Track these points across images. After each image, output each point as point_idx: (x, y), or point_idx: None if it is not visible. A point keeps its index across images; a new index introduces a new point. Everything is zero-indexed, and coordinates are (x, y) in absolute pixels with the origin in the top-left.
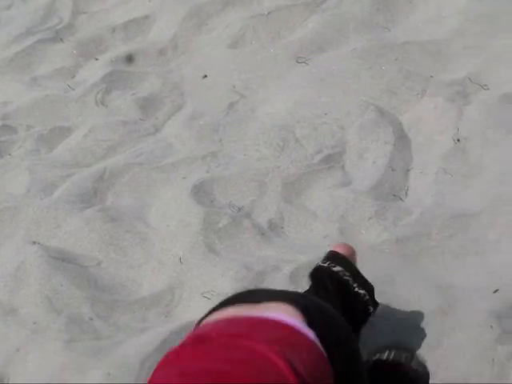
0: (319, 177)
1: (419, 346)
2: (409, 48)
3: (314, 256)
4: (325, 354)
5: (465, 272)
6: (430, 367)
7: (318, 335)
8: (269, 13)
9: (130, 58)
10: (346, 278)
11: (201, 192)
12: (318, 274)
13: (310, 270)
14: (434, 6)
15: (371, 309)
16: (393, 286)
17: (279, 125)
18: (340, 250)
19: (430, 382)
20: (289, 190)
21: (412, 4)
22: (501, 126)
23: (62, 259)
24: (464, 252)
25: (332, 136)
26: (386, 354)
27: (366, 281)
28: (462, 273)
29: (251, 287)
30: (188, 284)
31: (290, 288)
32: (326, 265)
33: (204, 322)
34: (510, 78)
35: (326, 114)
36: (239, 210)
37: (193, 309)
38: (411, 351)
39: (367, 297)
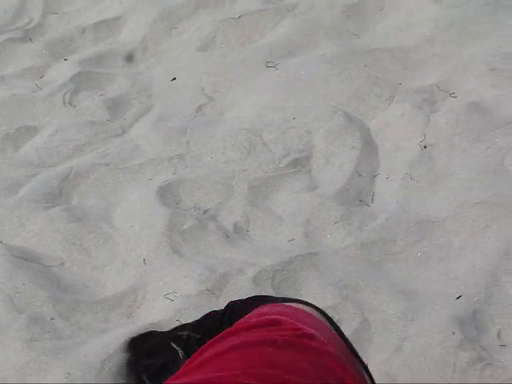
0: (286, 180)
1: (381, 349)
2: (378, 55)
3: (278, 260)
4: None
5: (428, 278)
6: (392, 371)
7: None
8: (239, 17)
9: (129, 58)
10: None
11: (167, 194)
12: None
13: (272, 274)
14: (404, 13)
15: None
16: (356, 291)
17: (247, 128)
18: None
19: None
20: (255, 193)
21: (382, 11)
22: (467, 133)
23: (24, 258)
24: (428, 258)
25: (299, 140)
26: None
27: None
28: (426, 279)
29: (214, 290)
30: (151, 285)
31: (253, 291)
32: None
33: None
34: (477, 86)
35: (294, 118)
36: (205, 212)
37: (155, 310)
38: None
39: None
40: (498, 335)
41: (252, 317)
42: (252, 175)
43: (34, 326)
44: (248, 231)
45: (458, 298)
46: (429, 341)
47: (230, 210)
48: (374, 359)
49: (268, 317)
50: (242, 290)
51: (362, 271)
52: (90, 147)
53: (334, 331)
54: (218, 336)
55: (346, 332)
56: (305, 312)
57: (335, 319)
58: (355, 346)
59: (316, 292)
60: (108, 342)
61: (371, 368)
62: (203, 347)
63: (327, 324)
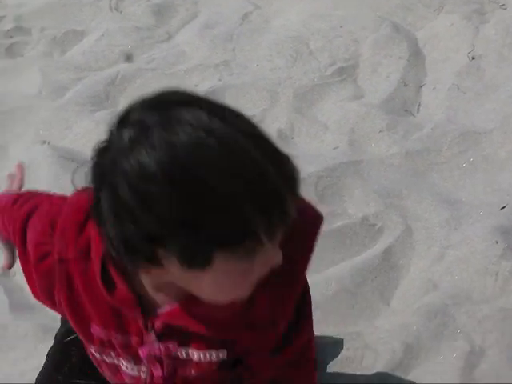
0: (331, 89)
1: (424, 257)
2: None
3: (322, 167)
4: None
5: (473, 188)
6: (435, 278)
7: None
8: None
9: (128, 58)
10: None
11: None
12: None
13: (316, 180)
14: None
15: None
16: (400, 198)
17: (293, 36)
18: None
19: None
20: (300, 100)
21: None
22: None
23: (71, 159)
24: (473, 169)
25: (346, 49)
26: None
27: None
28: (470, 189)
29: None
30: None
31: None
32: None
33: None
34: None
35: (340, 27)
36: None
37: None
38: None
39: None
40: None
41: None
42: (297, 83)
43: None
44: (293, 138)
45: (503, 208)
46: (471, 249)
47: (275, 117)
48: (416, 266)
49: None
50: None
51: (406, 180)
52: (136, 52)
53: None
54: None
55: (389, 239)
56: None
57: (378, 226)
58: (398, 253)
59: (359, 199)
60: None
61: (414, 275)
62: None
63: None
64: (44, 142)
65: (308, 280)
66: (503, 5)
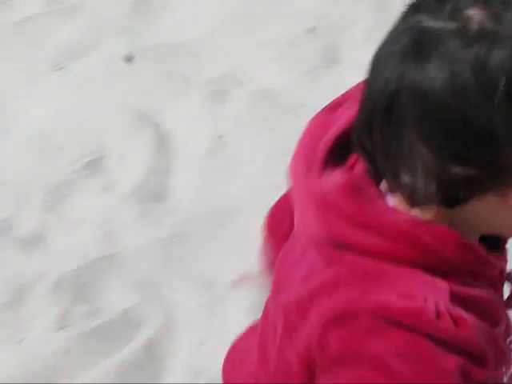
0: (81, 183)
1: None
2: (166, 49)
3: (80, 264)
4: None
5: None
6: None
7: None
8: (23, 21)
9: (129, 58)
10: None
11: None
12: None
13: (73, 279)
14: (189, 7)
15: None
16: (159, 287)
17: (38, 134)
18: None
19: None
20: (50, 198)
21: (166, 7)
22: (257, 121)
23: None
24: (229, 245)
25: (93, 141)
26: None
27: None
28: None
29: (12, 301)
30: None
31: (55, 297)
32: None
33: None
34: (264, 74)
35: (85, 120)
36: None
37: None
38: None
39: None
40: None
41: None
42: (46, 180)
43: None
44: (45, 239)
45: None
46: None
47: (25, 219)
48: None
49: None
50: (41, 299)
51: (162, 268)
52: None
53: None
54: None
55: (150, 330)
56: None
57: (138, 319)
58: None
59: (118, 293)
60: None
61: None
62: None
63: None
64: None
65: None
66: (242, 82)
